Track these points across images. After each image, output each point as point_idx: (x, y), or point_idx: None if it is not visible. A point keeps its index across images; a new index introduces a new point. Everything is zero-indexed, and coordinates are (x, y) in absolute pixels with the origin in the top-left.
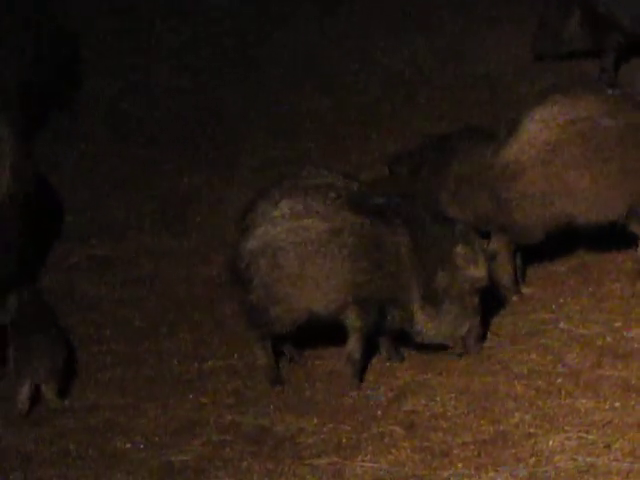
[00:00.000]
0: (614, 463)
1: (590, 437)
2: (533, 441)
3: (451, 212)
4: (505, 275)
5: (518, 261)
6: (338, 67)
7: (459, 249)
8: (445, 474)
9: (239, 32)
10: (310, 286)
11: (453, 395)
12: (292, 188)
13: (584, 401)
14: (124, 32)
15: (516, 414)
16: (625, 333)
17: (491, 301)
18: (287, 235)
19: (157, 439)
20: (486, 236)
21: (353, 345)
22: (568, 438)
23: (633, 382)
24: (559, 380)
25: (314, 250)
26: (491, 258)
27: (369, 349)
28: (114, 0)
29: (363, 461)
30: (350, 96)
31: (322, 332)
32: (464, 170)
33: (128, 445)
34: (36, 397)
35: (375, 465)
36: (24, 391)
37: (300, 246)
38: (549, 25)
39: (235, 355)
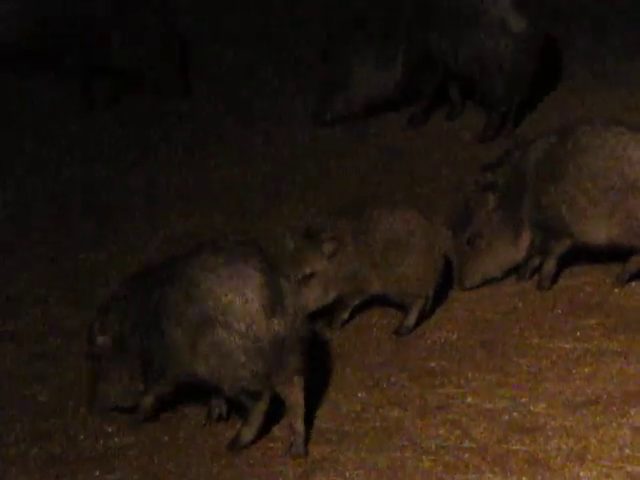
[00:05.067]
0: None
1: None
2: None
3: None
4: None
5: None
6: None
7: None
8: None
9: None
10: None
11: (362, 471)
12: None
13: (491, 476)
14: None
15: None
16: (531, 408)
17: (399, 375)
18: None
19: None
20: None
21: None
22: None
23: (540, 456)
24: (466, 455)
25: None
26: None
27: (272, 423)
28: None
29: None
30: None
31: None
32: None
33: None
34: None
35: None
36: None
37: None
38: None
39: (142, 431)
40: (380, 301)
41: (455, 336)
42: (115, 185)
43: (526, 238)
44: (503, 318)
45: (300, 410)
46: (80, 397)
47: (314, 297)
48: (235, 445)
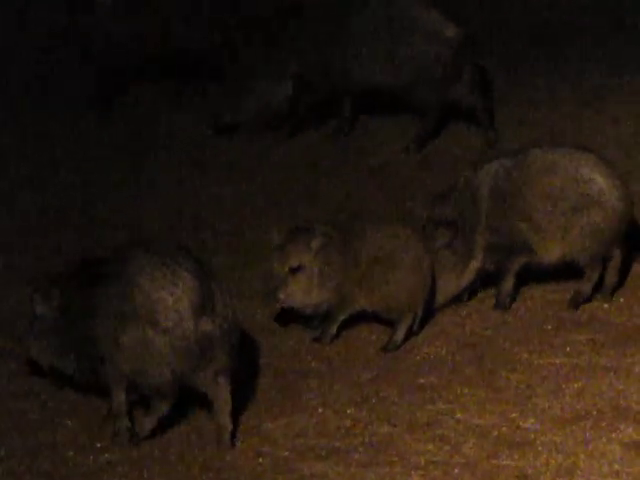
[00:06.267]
0: None
1: None
2: None
3: None
4: None
5: None
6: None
7: None
8: None
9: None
10: None
11: None
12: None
13: None
14: None
15: None
16: (520, 423)
17: (388, 390)
18: None
19: None
20: None
21: None
22: None
23: (529, 472)
24: (456, 470)
25: None
26: None
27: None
28: None
29: None
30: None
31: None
32: None
33: None
34: None
35: None
36: None
37: None
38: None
39: (132, 447)
40: (368, 317)
41: (444, 352)
42: (114, 191)
43: (476, 264)
44: (492, 334)
45: (226, 407)
46: (69, 413)
47: (300, 291)
48: (134, 437)
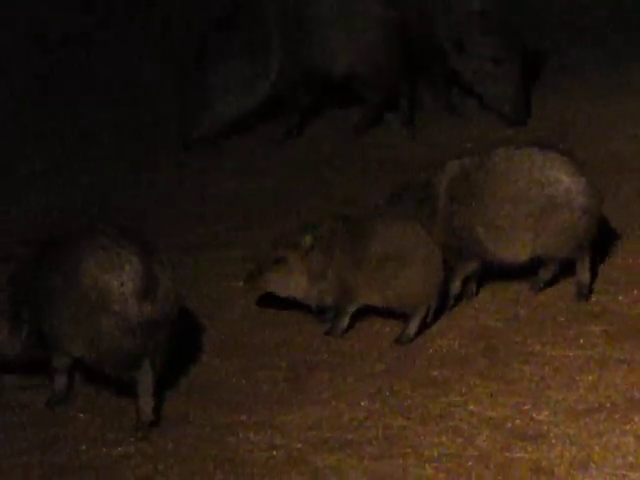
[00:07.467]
0: None
1: None
2: None
3: None
4: None
5: None
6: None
7: None
8: None
9: None
10: None
11: (364, 479)
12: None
13: None
14: None
15: None
16: (534, 416)
17: (401, 383)
18: None
19: None
20: None
21: None
22: None
23: (543, 464)
24: (469, 463)
25: None
26: None
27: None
28: None
29: None
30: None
31: None
32: None
33: None
34: None
35: None
36: None
37: None
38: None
39: (145, 440)
40: (381, 310)
41: (457, 344)
42: (115, 192)
43: None
44: (505, 326)
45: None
46: (81, 406)
47: (281, 284)
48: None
